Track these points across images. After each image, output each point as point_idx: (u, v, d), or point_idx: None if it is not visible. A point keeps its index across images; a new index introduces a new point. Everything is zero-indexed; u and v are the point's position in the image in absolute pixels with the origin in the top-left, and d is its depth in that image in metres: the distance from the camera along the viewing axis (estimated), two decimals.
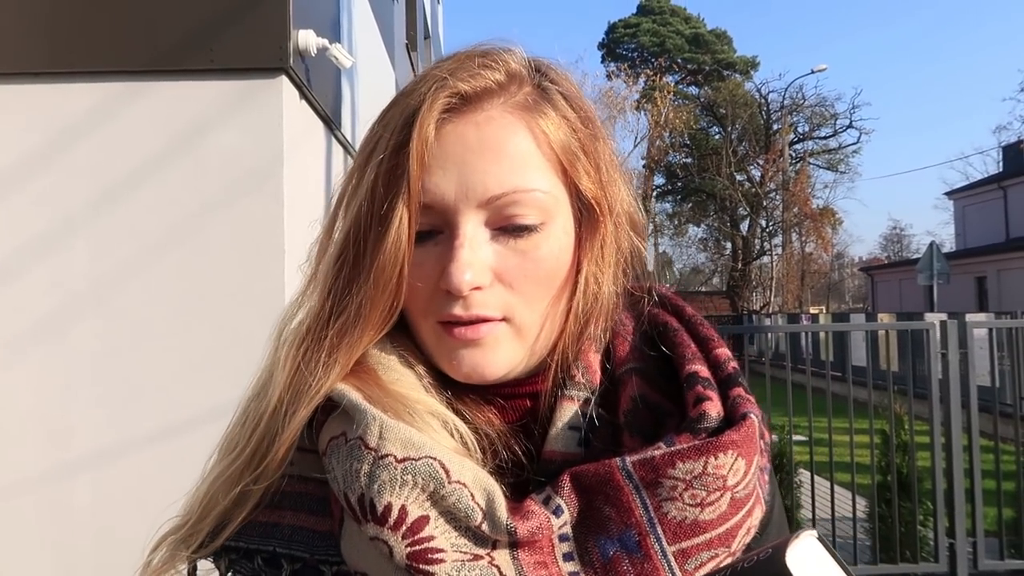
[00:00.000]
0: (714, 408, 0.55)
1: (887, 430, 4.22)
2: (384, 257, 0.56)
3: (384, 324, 0.58)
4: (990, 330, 4.50)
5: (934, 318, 4.93)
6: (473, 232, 0.56)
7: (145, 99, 2.94)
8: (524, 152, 0.57)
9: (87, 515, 2.83)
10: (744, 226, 30.91)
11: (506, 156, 0.56)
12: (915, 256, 32.70)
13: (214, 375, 2.85)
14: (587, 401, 0.59)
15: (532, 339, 0.59)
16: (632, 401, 0.58)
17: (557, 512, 0.53)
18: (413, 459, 0.51)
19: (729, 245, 32.16)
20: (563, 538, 0.53)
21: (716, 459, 0.52)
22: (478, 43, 0.61)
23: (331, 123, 3.75)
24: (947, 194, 31.80)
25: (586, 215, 0.61)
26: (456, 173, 0.56)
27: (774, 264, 29.09)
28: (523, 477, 0.57)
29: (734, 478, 0.53)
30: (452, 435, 0.56)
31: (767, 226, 30.05)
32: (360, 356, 0.59)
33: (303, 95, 3.23)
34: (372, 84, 5.19)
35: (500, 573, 0.51)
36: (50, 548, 2.82)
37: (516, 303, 0.57)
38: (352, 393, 0.55)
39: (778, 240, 29.90)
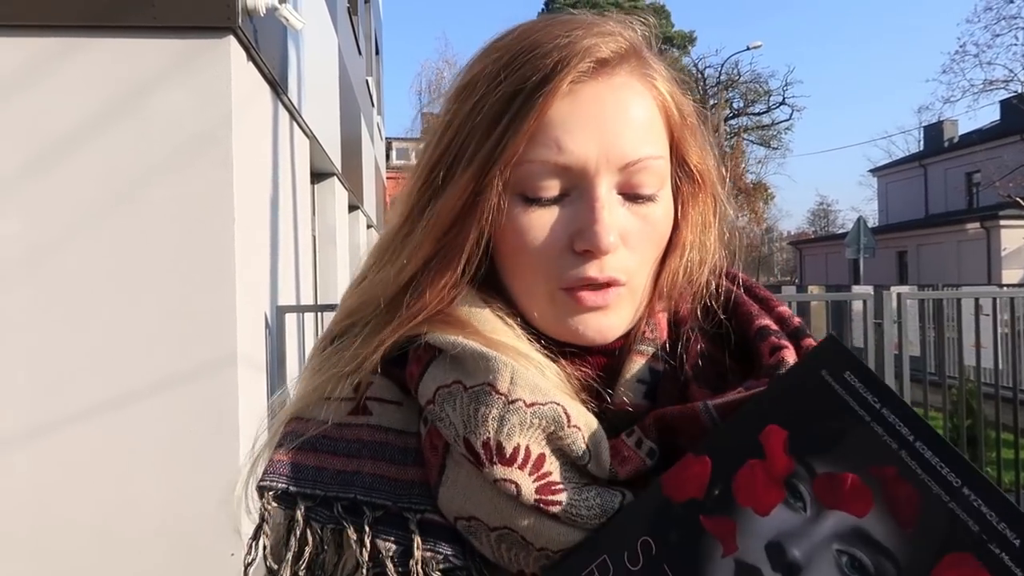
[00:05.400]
0: (791, 355, 0.58)
1: None
2: (450, 197, 0.57)
3: (449, 273, 0.59)
4: (921, 302, 4.70)
5: (861, 290, 5.11)
6: (608, 195, 0.57)
7: (81, 57, 2.78)
8: (650, 119, 0.59)
9: (24, 491, 2.71)
10: None
11: (639, 122, 0.58)
12: (841, 231, 33.84)
13: (158, 347, 2.75)
14: (654, 356, 0.61)
15: (641, 300, 0.61)
16: (699, 356, 0.61)
17: (651, 455, 0.56)
18: (540, 404, 0.54)
19: None
20: (654, 472, 0.56)
21: None
22: (591, 8, 0.64)
23: (278, 87, 3.62)
24: (871, 171, 32.95)
25: (687, 184, 0.63)
26: (598, 135, 0.56)
27: None
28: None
29: None
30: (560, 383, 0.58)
31: None
32: (450, 308, 0.59)
33: (250, 57, 3.11)
34: (317, 49, 5.04)
35: (612, 491, 0.54)
36: None
37: (635, 267, 0.59)
38: (470, 342, 0.56)
39: None
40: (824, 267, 28.74)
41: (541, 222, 0.57)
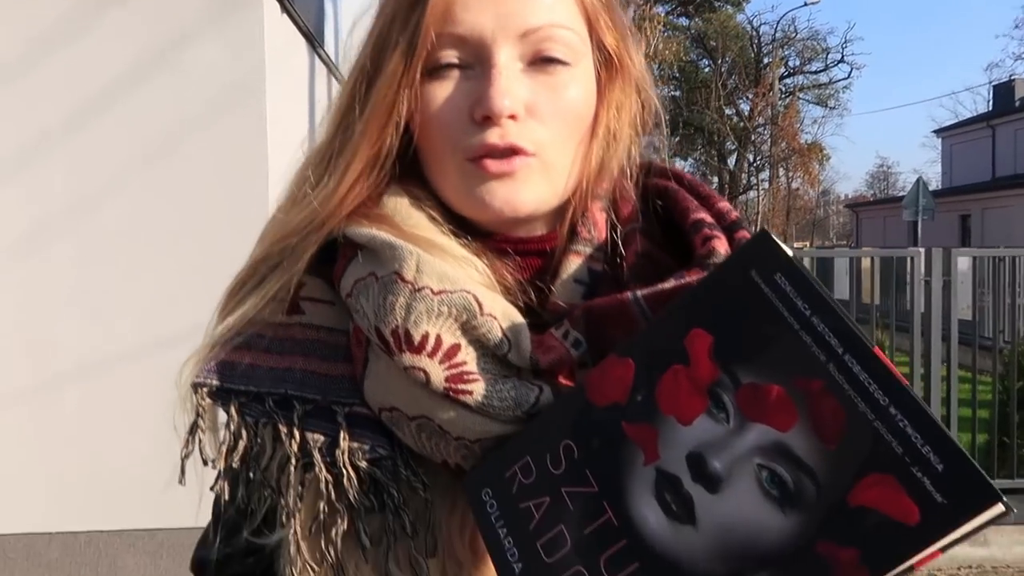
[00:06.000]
0: (722, 246, 0.57)
1: None
2: (382, 83, 0.56)
3: (377, 162, 0.58)
4: (973, 259, 4.54)
5: (913, 250, 4.96)
6: (508, 63, 0.57)
7: (119, 9, 2.82)
8: None
9: (74, 426, 2.83)
10: (732, 160, 30.70)
11: None
12: (901, 194, 32.78)
13: (196, 292, 2.80)
14: (592, 257, 0.60)
15: (559, 179, 0.59)
16: (637, 256, 0.60)
17: (576, 345, 0.55)
18: (449, 292, 0.54)
19: (716, 179, 31.97)
20: (582, 364, 0.55)
21: None
22: None
23: (314, 40, 3.62)
24: (935, 132, 31.70)
25: (605, 70, 0.62)
26: (493, 4, 0.56)
27: (760, 199, 29.08)
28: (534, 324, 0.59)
29: None
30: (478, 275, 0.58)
31: (755, 160, 29.95)
32: (373, 204, 0.59)
33: (284, 9, 3.11)
34: (356, 3, 5.02)
35: (530, 384, 0.54)
36: (39, 458, 2.83)
37: (547, 140, 0.58)
38: (381, 233, 0.56)
39: (765, 175, 29.85)
40: (882, 230, 27.92)
41: (445, 95, 0.57)
